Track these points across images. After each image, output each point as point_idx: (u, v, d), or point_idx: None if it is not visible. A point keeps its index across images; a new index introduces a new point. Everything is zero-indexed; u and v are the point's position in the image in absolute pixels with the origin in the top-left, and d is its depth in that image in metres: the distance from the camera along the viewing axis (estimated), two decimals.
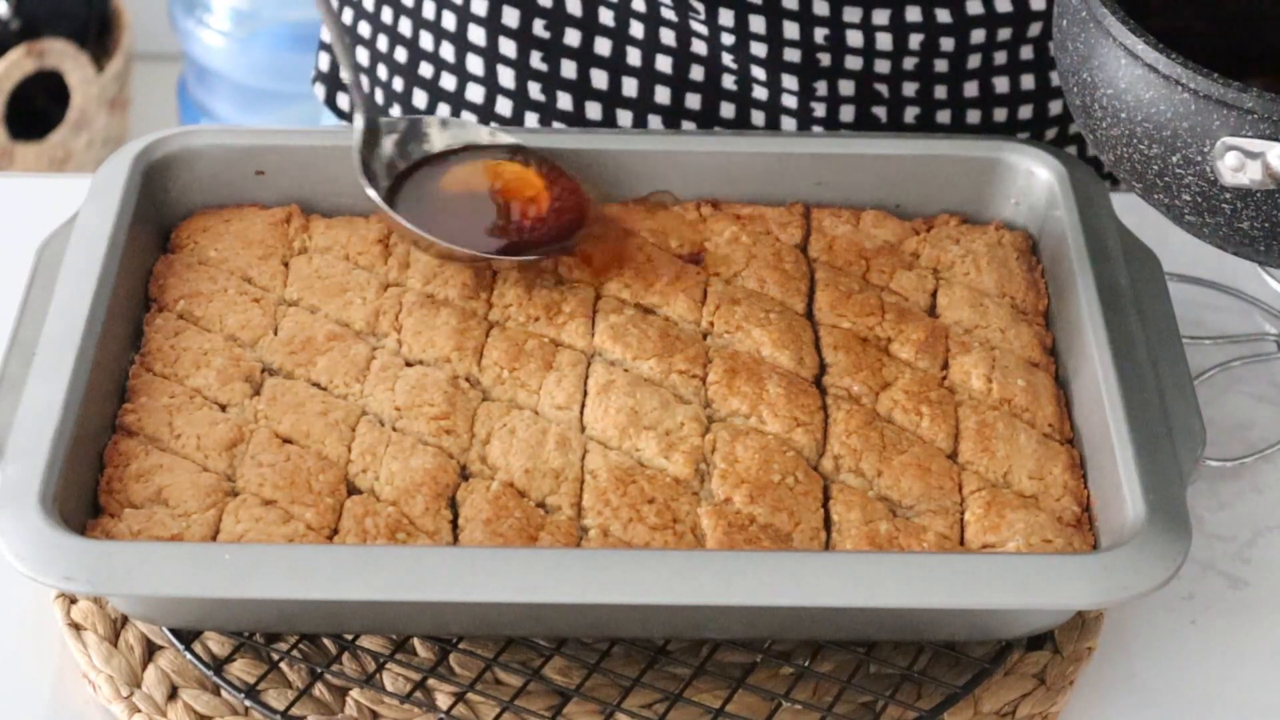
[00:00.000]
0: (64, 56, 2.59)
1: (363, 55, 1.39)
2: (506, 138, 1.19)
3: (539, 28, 1.30)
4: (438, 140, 1.19)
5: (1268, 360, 1.23)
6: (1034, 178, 1.20)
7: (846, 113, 1.30)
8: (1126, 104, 1.03)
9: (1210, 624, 1.09)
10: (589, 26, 1.30)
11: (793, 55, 1.27)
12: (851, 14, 1.26)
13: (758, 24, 1.27)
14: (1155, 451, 1.04)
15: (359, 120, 1.18)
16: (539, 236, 1.16)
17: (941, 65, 1.29)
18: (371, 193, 1.15)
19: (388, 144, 1.18)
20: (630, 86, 1.31)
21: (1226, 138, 1.00)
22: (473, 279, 1.16)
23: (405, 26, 1.35)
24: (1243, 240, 1.04)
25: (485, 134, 1.19)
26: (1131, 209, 1.25)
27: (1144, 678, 1.06)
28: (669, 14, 1.28)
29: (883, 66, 1.28)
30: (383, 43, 1.37)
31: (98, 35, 2.65)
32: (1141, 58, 1.02)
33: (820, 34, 1.27)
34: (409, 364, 1.12)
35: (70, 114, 2.63)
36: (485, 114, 1.33)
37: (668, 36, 1.29)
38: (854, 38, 1.27)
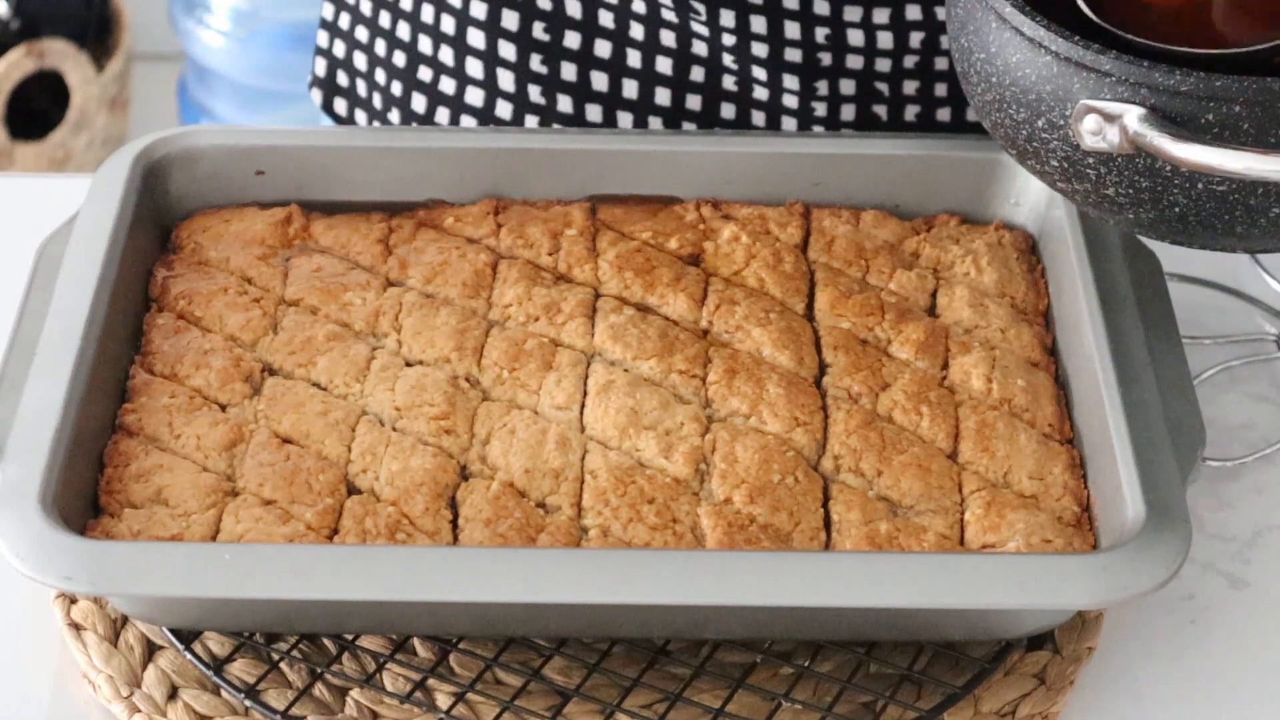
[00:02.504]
0: (64, 56, 2.59)
1: (361, 60, 1.39)
2: None
3: (538, 30, 1.30)
4: None
5: (1268, 360, 1.23)
6: (1034, 177, 1.20)
7: (847, 112, 1.30)
8: (997, 68, 1.04)
9: (1210, 624, 1.09)
10: (589, 29, 1.30)
11: (794, 55, 1.28)
12: (852, 13, 1.26)
13: (759, 24, 1.27)
14: (1155, 451, 1.04)
15: None
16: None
17: (942, 63, 1.29)
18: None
19: None
20: (630, 88, 1.31)
21: (1085, 100, 1.00)
22: (473, 278, 1.16)
23: (404, 30, 1.35)
24: (1111, 207, 1.04)
25: None
26: None
27: (1144, 678, 1.06)
28: (669, 15, 1.28)
29: (883, 65, 1.28)
30: (381, 47, 1.37)
31: (98, 35, 2.65)
32: (1009, 20, 1.03)
33: (821, 33, 1.27)
34: (409, 364, 1.12)
35: (70, 114, 2.63)
36: (485, 117, 1.33)
37: (668, 38, 1.29)
38: (855, 37, 1.27)
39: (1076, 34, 1.01)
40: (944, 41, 1.28)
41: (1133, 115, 0.99)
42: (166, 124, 2.63)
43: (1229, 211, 1.02)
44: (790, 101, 1.29)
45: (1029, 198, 1.21)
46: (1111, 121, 1.00)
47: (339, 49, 1.41)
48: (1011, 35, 1.03)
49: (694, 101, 1.30)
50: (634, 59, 1.30)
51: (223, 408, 1.09)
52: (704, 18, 1.27)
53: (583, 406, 1.10)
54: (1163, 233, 1.05)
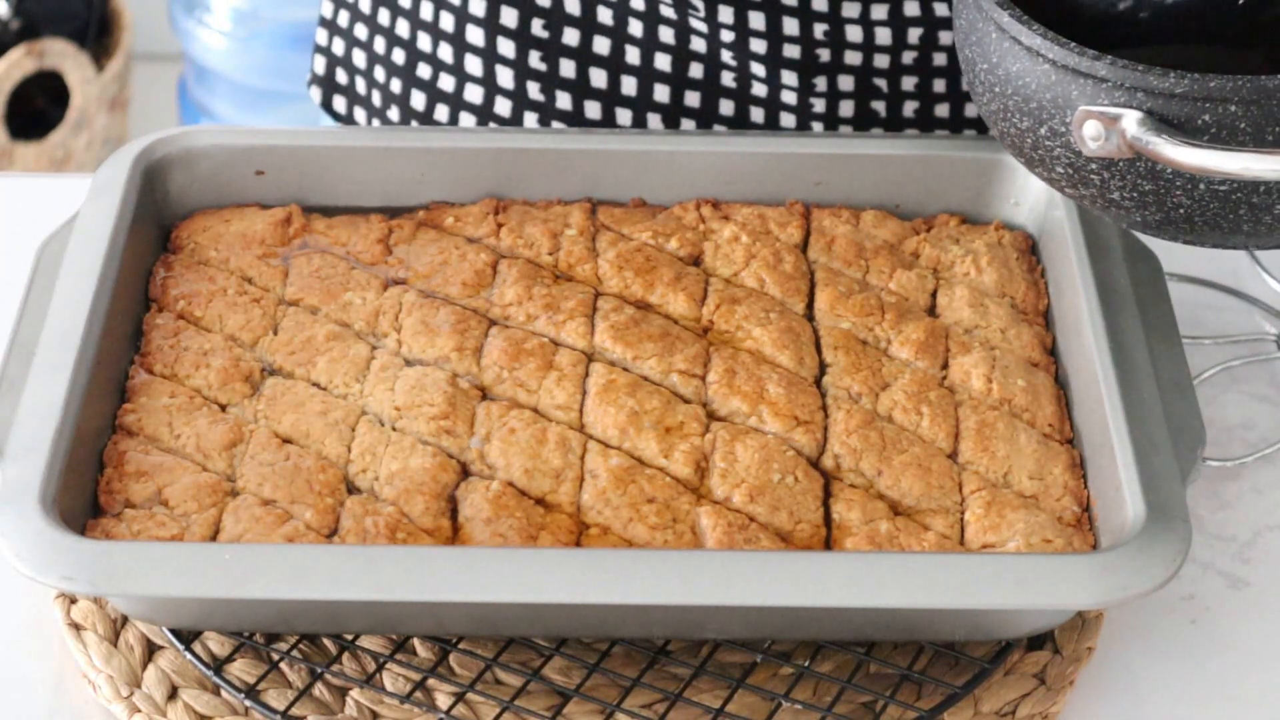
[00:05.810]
0: (64, 56, 2.59)
1: (360, 57, 1.39)
2: None
3: (537, 27, 1.30)
4: None
5: (1268, 360, 1.23)
6: (1034, 177, 1.20)
7: (846, 108, 1.30)
8: (999, 78, 1.05)
9: (1210, 624, 1.09)
10: (587, 25, 1.30)
11: (792, 51, 1.28)
12: (850, 9, 1.26)
13: (757, 21, 1.27)
14: (1155, 451, 1.04)
15: None
16: None
17: (940, 59, 1.29)
18: None
19: None
20: (629, 85, 1.31)
21: (1084, 106, 1.01)
22: (473, 278, 1.16)
23: (403, 28, 1.35)
24: (1118, 210, 1.05)
25: None
26: None
27: (1144, 678, 1.06)
28: (668, 12, 1.28)
29: (882, 61, 1.28)
30: (380, 44, 1.37)
31: (98, 35, 2.65)
32: (1007, 30, 1.04)
33: (819, 30, 1.27)
34: (409, 364, 1.12)
35: (70, 114, 2.63)
36: (484, 114, 1.33)
37: (666, 34, 1.29)
38: (853, 33, 1.27)
39: (1075, 41, 1.02)
40: (943, 37, 1.28)
41: (1130, 119, 1.00)
42: (166, 124, 2.63)
43: (1233, 211, 1.02)
44: (789, 98, 1.29)
45: (1029, 198, 1.21)
46: (1111, 126, 1.00)
47: (338, 46, 1.41)
48: (1011, 45, 1.03)
49: (692, 98, 1.30)
50: (633, 56, 1.30)
51: (223, 408, 1.09)
52: (702, 14, 1.27)
53: (583, 406, 1.10)
54: (1171, 234, 1.05)
